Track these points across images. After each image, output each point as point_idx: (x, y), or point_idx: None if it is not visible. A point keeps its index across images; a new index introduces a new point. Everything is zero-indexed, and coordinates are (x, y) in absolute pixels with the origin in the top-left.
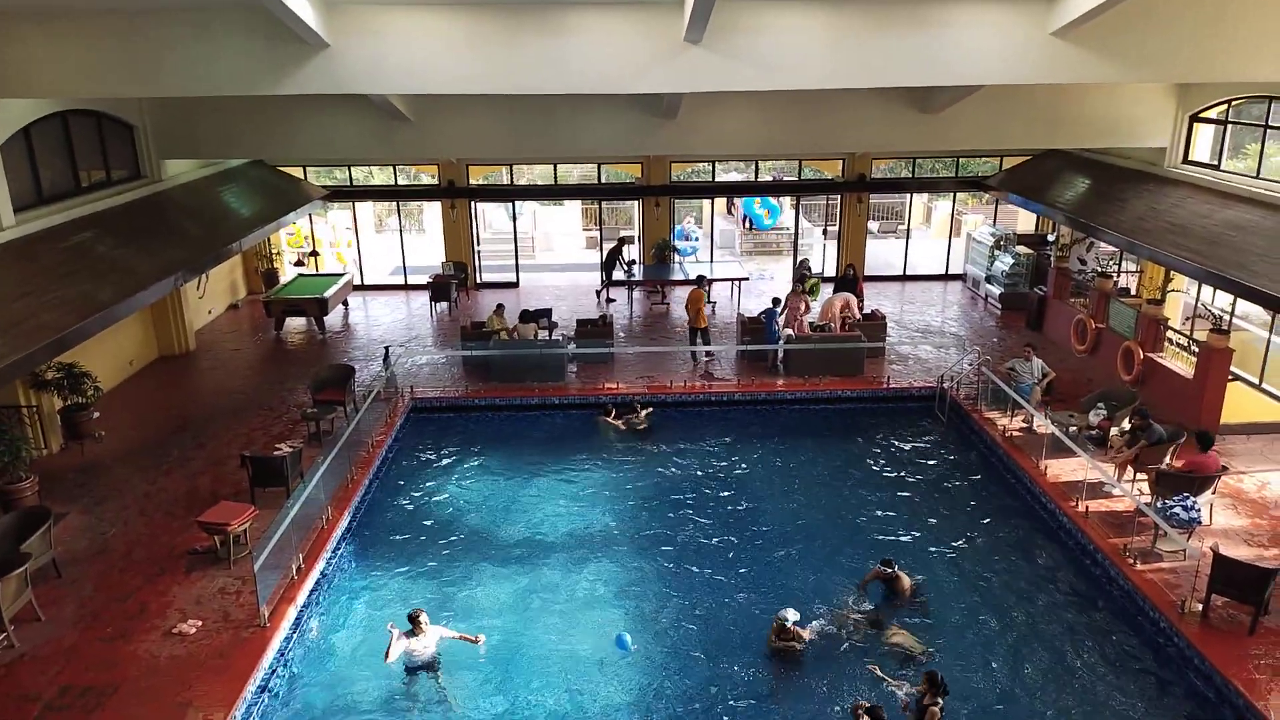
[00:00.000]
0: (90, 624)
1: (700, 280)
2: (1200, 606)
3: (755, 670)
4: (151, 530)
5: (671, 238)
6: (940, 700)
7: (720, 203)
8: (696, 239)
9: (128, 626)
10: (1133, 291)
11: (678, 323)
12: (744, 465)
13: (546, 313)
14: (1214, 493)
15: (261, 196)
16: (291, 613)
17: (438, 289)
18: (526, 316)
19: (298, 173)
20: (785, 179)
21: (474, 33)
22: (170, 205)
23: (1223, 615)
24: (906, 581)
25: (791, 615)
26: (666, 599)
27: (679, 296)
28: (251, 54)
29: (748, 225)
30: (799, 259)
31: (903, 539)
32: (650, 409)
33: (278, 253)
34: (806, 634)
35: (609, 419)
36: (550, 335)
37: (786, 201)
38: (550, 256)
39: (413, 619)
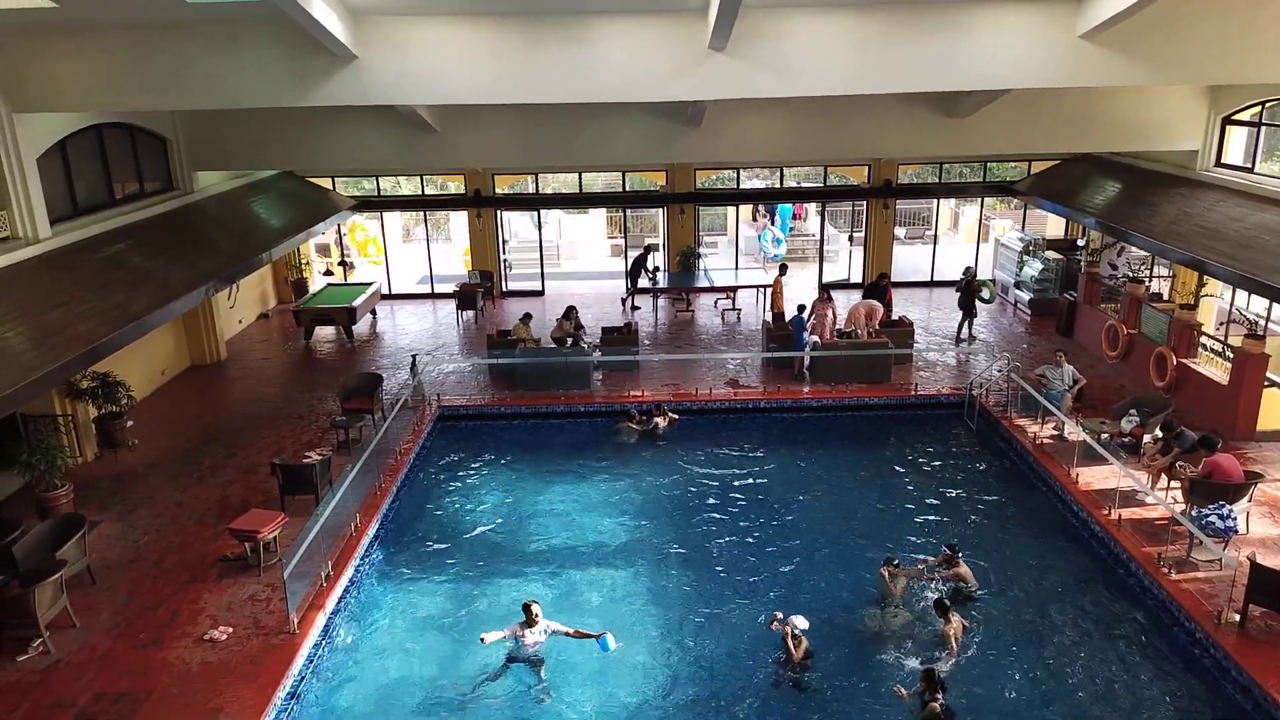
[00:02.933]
0: (124, 630)
1: (783, 269)
2: (1237, 617)
3: (779, 678)
4: (183, 537)
5: (760, 239)
6: (940, 696)
7: (745, 210)
8: (780, 241)
9: (160, 633)
10: (1165, 297)
11: (703, 330)
12: (770, 473)
13: (572, 309)
14: (1250, 501)
15: (291, 207)
16: (321, 620)
17: (464, 298)
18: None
19: (326, 183)
20: (805, 185)
21: (499, 43)
22: (202, 216)
23: (1261, 625)
24: (902, 582)
25: (801, 623)
26: (692, 606)
27: (704, 303)
28: (278, 66)
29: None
30: (965, 268)
31: (932, 547)
32: (676, 417)
33: (307, 262)
34: (798, 652)
35: (631, 424)
36: (578, 330)
37: (811, 206)
38: (575, 264)
39: (526, 609)
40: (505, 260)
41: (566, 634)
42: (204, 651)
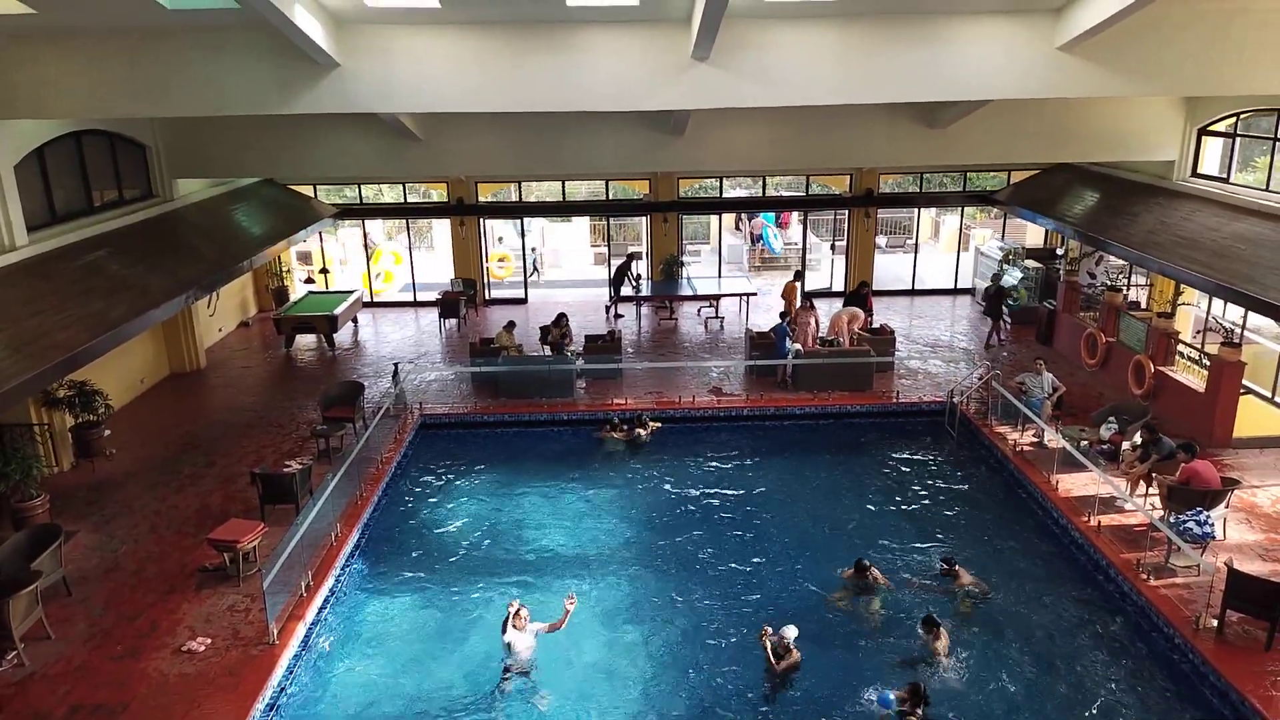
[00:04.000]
0: (100, 642)
1: (798, 275)
2: (1215, 622)
3: (763, 683)
4: (162, 548)
5: (763, 237)
6: (920, 710)
7: (729, 218)
8: (778, 235)
9: (138, 644)
10: (1143, 305)
11: (686, 338)
12: (752, 480)
13: (562, 316)
14: (1227, 507)
15: (272, 215)
16: (301, 630)
17: (446, 306)
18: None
19: (308, 191)
20: (786, 194)
21: (483, 51)
22: (182, 224)
23: (1238, 631)
24: (880, 577)
25: (791, 633)
26: (676, 614)
27: (687, 311)
28: (261, 74)
29: (754, 240)
30: (991, 275)
31: (912, 555)
32: (658, 425)
33: (288, 270)
34: (781, 664)
35: (614, 434)
36: (564, 339)
37: (794, 215)
38: (559, 273)
39: (515, 612)
40: (533, 259)
41: (543, 630)
42: (182, 663)
